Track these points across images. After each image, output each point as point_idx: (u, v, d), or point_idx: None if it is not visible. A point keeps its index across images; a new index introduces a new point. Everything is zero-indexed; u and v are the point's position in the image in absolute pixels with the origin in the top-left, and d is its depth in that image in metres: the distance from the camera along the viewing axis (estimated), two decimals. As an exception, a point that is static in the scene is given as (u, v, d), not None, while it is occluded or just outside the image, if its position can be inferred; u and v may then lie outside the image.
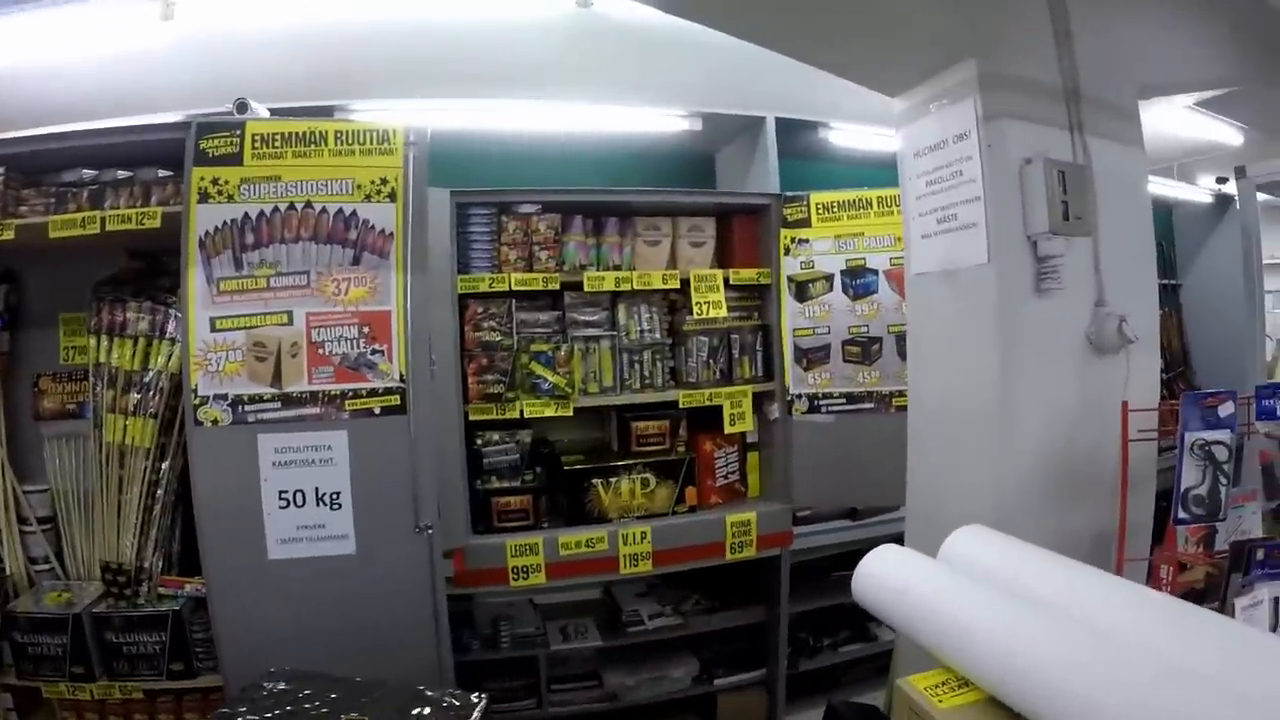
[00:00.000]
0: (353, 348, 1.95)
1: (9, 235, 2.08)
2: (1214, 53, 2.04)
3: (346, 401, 1.95)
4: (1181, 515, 1.55)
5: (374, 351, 1.96)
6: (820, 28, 1.77)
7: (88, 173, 2.13)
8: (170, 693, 2.16)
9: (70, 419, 2.30)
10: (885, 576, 1.39)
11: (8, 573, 2.22)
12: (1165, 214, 4.77)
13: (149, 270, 2.29)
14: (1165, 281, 4.70)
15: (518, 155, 2.90)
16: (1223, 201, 4.62)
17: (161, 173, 2.10)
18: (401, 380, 1.97)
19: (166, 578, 2.13)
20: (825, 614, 2.94)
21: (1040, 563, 1.29)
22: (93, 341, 2.14)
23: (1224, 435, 1.52)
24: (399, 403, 1.97)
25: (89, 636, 2.10)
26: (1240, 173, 4.42)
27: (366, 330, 1.96)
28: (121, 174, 2.12)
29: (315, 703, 1.55)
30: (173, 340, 2.09)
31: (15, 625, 2.11)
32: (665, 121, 2.69)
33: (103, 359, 2.13)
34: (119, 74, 2.36)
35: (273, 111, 2.13)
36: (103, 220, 2.05)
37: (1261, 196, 4.34)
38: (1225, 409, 1.53)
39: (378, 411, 1.96)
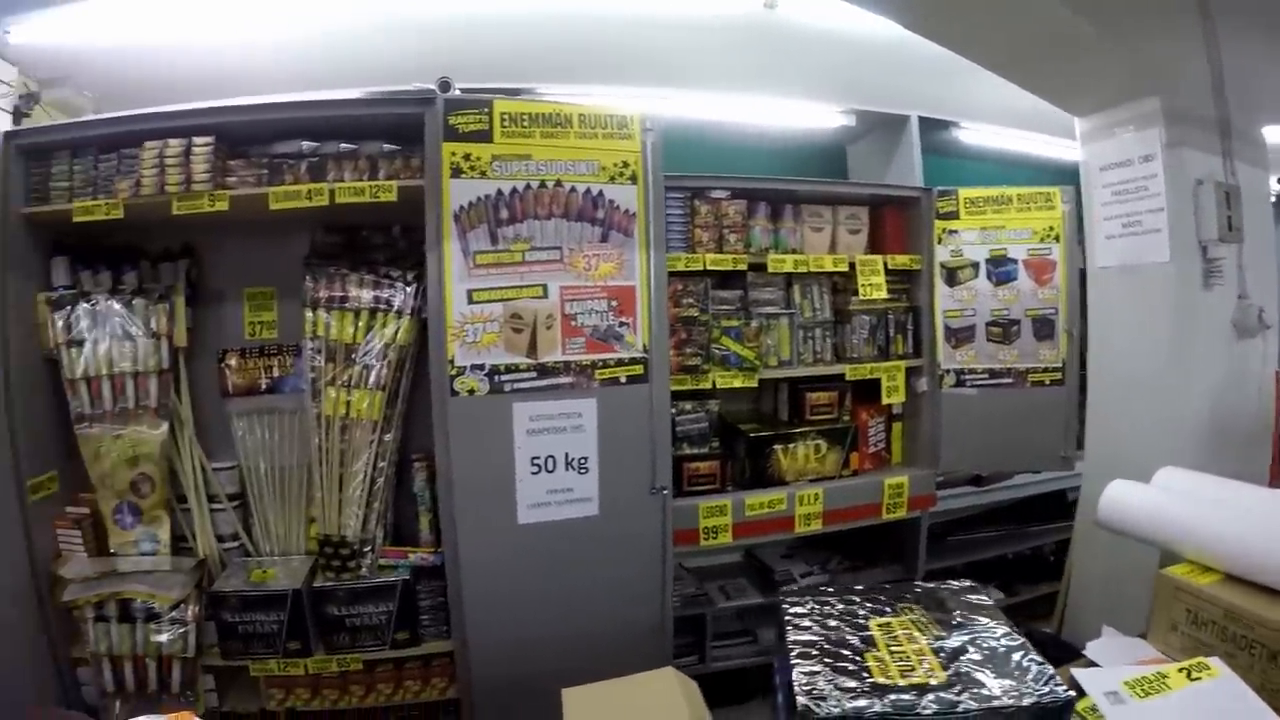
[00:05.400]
0: (602, 320, 2.07)
1: (223, 205, 2.00)
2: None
3: (596, 371, 2.06)
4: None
5: (621, 324, 2.08)
6: (1023, 52, 2.11)
7: (308, 144, 2.07)
8: (389, 661, 2.16)
9: (261, 394, 2.23)
10: (1132, 503, 1.68)
11: (202, 554, 2.15)
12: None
13: (349, 244, 2.26)
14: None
15: (679, 140, 2.97)
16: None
17: (387, 147, 2.10)
18: (644, 351, 2.10)
19: (389, 548, 2.14)
20: (943, 574, 3.11)
21: (1233, 487, 1.62)
22: (309, 314, 2.09)
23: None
24: (642, 372, 2.10)
25: (308, 611, 2.09)
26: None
27: (615, 304, 2.08)
28: (345, 146, 2.09)
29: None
30: (399, 313, 2.10)
31: (223, 604, 2.05)
32: (826, 117, 2.92)
33: (320, 332, 2.10)
34: (312, 48, 2.30)
35: (463, 91, 2.17)
36: (332, 193, 2.01)
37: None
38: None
39: (623, 380, 2.09)
